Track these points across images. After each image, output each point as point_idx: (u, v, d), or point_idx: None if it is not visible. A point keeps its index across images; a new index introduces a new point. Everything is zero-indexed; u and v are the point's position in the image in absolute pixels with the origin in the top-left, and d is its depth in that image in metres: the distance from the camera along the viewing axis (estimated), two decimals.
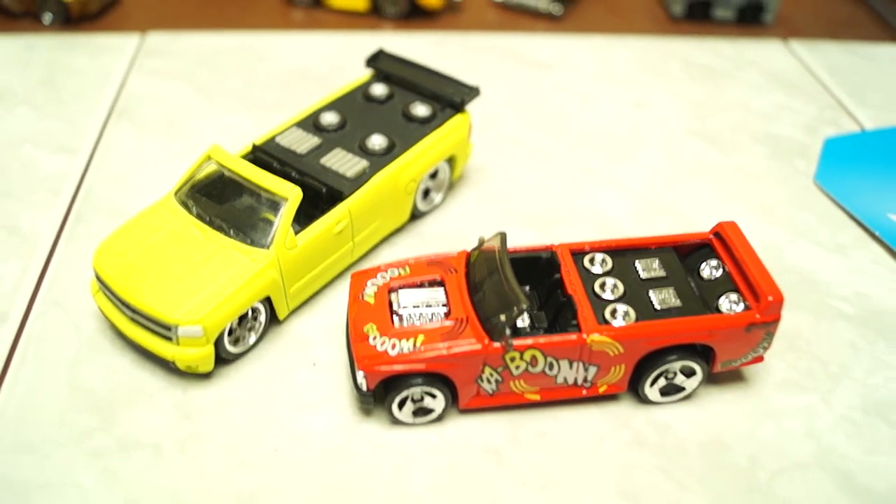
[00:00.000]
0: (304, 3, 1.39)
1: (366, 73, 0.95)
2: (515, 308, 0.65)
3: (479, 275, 0.71)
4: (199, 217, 0.76)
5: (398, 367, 0.66)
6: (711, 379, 0.74)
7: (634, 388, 0.71)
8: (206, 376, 0.72)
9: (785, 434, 0.70)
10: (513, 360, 0.67)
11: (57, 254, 0.85)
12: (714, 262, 0.74)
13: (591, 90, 1.17)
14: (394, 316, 0.70)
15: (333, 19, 1.35)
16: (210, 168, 0.79)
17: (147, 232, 0.75)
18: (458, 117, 0.90)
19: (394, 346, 0.67)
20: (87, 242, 0.86)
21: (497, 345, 0.66)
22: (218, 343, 0.71)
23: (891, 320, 0.81)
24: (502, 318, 0.65)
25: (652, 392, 0.71)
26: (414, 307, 0.70)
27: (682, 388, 0.71)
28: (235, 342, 0.73)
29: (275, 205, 0.74)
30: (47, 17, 1.29)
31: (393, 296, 0.72)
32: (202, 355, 0.69)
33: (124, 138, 1.03)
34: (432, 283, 0.72)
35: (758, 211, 0.95)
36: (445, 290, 0.71)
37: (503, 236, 0.72)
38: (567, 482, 0.66)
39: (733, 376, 0.75)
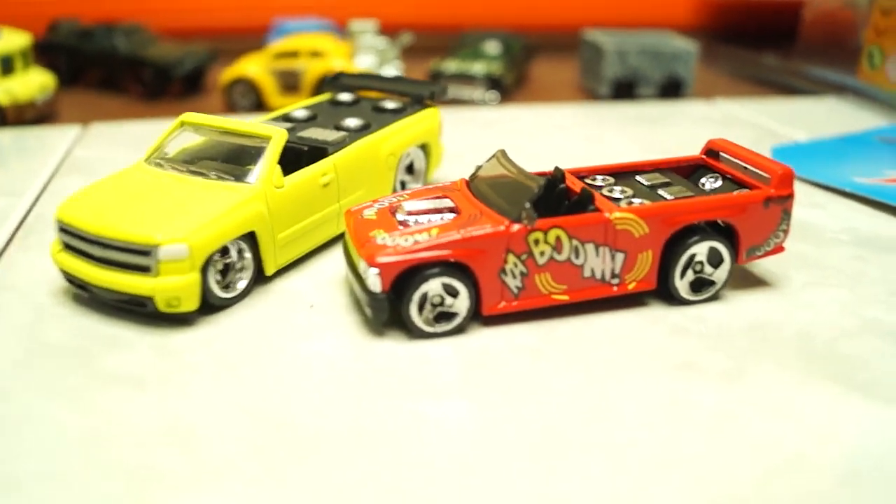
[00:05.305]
0: (245, 108, 1.41)
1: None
2: (534, 186, 0.61)
3: (483, 186, 0.67)
4: (175, 170, 0.71)
5: (416, 256, 0.60)
6: (737, 285, 0.70)
7: (664, 290, 0.67)
8: (188, 321, 0.64)
9: (825, 315, 0.66)
10: (537, 242, 0.62)
11: (5, 257, 0.76)
12: (713, 177, 0.73)
13: (542, 133, 1.20)
14: (400, 226, 0.65)
15: None
16: (181, 146, 0.75)
17: (118, 184, 0.70)
18: (428, 110, 0.90)
19: (406, 240, 0.61)
20: (39, 250, 0.77)
21: (518, 226, 0.61)
22: (205, 286, 0.63)
23: (888, 242, 0.80)
24: (523, 197, 0.61)
25: (682, 286, 0.66)
26: (420, 213, 0.65)
27: (713, 283, 0.67)
28: (225, 288, 0.66)
29: (259, 151, 0.70)
30: None
31: (398, 212, 0.67)
32: (186, 284, 0.61)
33: (74, 186, 0.97)
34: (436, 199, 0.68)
35: None
36: (452, 199, 0.67)
37: (503, 151, 0.69)
38: (616, 362, 0.59)
39: (757, 283, 0.71)
